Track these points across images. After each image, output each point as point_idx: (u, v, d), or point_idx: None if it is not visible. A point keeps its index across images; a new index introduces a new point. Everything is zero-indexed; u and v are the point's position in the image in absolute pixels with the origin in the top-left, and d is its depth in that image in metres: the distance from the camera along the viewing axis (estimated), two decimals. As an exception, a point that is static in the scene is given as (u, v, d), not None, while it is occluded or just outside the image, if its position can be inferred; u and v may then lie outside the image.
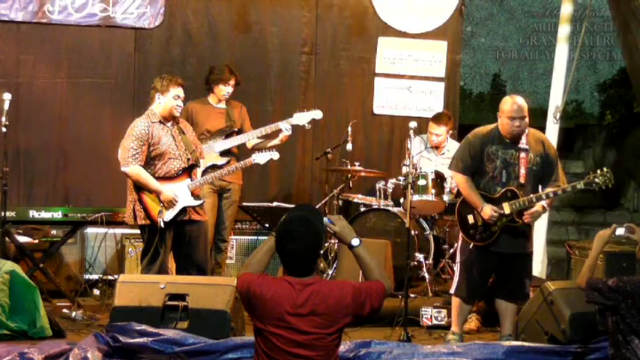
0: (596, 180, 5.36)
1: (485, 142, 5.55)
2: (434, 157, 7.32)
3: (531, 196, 5.45)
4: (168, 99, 5.86)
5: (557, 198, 5.62)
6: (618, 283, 4.43)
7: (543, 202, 5.49)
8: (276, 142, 6.70)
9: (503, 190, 5.48)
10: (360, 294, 3.62)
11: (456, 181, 5.76)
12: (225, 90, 6.79)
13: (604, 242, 4.72)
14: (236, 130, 6.81)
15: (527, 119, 5.49)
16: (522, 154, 5.50)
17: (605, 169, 5.40)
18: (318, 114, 6.83)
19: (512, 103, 5.50)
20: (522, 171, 5.49)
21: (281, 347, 3.56)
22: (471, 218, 5.55)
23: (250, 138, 6.77)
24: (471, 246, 5.57)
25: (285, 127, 6.66)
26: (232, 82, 6.79)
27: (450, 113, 7.63)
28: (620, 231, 4.76)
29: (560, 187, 5.50)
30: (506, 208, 5.44)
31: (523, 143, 5.52)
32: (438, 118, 7.31)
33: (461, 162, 5.60)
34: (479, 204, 5.48)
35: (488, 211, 5.43)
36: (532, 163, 5.53)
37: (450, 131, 7.35)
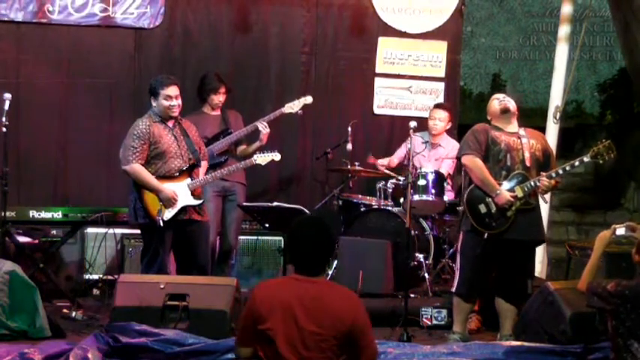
0: (600, 151, 5.47)
1: (488, 129, 5.64)
2: (427, 152, 7.33)
3: (542, 175, 5.50)
4: (161, 101, 5.87)
5: (564, 176, 5.66)
6: (617, 287, 4.43)
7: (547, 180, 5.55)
8: (257, 144, 6.73)
9: (512, 174, 5.52)
10: (361, 321, 3.58)
11: (468, 164, 5.60)
12: (217, 99, 6.84)
13: (605, 244, 4.70)
14: (231, 131, 6.83)
15: (511, 99, 5.69)
16: (524, 140, 5.60)
17: (604, 140, 5.54)
18: (308, 99, 6.93)
19: (493, 95, 5.84)
20: (527, 154, 5.55)
21: (286, 348, 3.51)
22: (482, 208, 5.53)
23: (240, 135, 6.80)
24: (486, 236, 5.52)
25: (261, 125, 6.72)
26: (222, 90, 6.83)
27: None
28: (621, 231, 4.74)
29: (567, 164, 5.57)
30: (519, 191, 5.48)
31: (522, 132, 5.64)
32: (438, 104, 7.50)
33: (473, 144, 5.58)
34: (495, 188, 5.48)
35: (505, 196, 5.45)
36: (535, 149, 5.61)
37: (450, 123, 7.38)
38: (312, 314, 3.52)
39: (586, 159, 5.53)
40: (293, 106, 6.88)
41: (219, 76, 6.88)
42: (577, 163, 5.56)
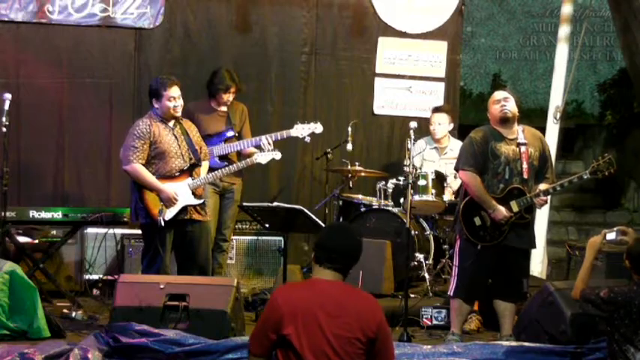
0: (600, 167, 5.41)
1: (489, 139, 5.57)
2: (437, 158, 7.33)
3: (539, 190, 5.49)
4: (163, 102, 5.87)
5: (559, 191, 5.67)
6: (609, 294, 4.43)
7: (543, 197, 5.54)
8: (246, 162, 6.43)
9: (508, 188, 5.49)
10: (385, 324, 3.55)
11: (465, 180, 5.61)
12: (225, 97, 6.75)
13: (596, 250, 4.69)
14: (235, 134, 6.80)
15: (512, 101, 5.56)
16: (523, 149, 5.53)
17: (605, 155, 5.46)
18: (318, 128, 6.71)
19: (494, 94, 5.69)
20: (525, 166, 5.51)
21: (312, 354, 3.40)
22: (477, 220, 5.51)
23: (245, 147, 6.73)
24: (479, 247, 5.53)
25: (265, 142, 6.48)
26: (232, 89, 6.76)
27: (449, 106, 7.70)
28: (611, 235, 4.70)
29: (565, 179, 5.56)
30: (514, 206, 5.46)
31: (521, 138, 5.56)
32: (437, 108, 7.45)
33: (471, 159, 5.54)
34: (492, 205, 5.45)
35: (502, 212, 5.43)
36: (532, 158, 5.56)
37: (452, 124, 7.40)
38: (336, 317, 3.44)
39: (585, 176, 5.49)
40: (302, 131, 6.65)
41: (231, 75, 6.76)
42: (576, 180, 5.54)
